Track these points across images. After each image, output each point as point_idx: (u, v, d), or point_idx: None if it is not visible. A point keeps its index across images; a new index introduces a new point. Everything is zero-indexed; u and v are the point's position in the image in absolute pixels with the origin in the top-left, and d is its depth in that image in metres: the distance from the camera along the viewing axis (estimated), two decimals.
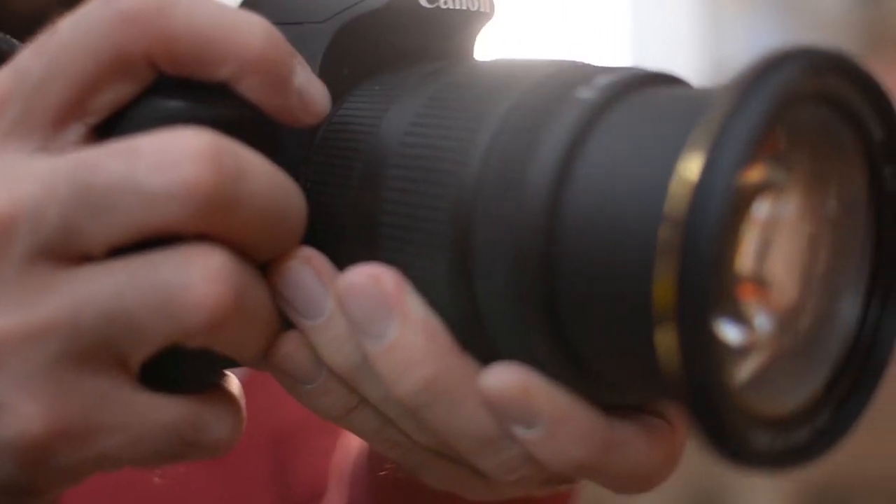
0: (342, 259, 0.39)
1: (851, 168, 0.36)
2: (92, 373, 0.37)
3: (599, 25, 2.52)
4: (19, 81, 0.38)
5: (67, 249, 0.36)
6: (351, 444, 0.58)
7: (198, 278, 0.36)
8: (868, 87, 0.35)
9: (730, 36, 2.51)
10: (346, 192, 0.40)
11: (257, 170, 0.37)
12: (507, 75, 0.39)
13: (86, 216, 0.36)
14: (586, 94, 0.36)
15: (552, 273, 0.35)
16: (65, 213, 0.36)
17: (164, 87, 0.38)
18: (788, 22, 2.46)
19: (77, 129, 0.38)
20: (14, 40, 0.41)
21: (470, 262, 0.37)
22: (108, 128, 0.38)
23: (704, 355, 0.33)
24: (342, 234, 0.40)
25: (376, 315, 0.38)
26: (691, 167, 0.33)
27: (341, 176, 0.40)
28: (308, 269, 0.39)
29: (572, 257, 0.35)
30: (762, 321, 0.36)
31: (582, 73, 0.37)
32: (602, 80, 0.36)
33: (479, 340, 0.37)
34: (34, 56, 0.38)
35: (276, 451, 0.63)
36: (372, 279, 0.38)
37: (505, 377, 0.37)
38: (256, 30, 0.38)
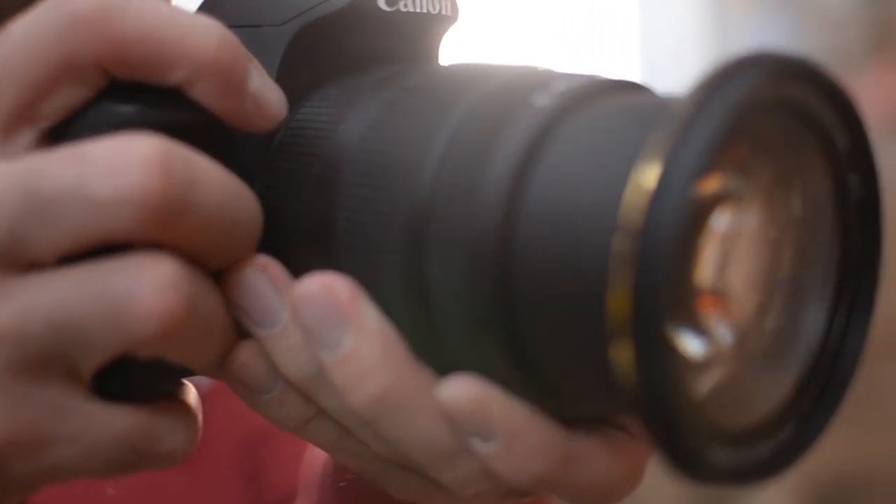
0: (298, 266, 0.38)
1: (816, 176, 0.36)
2: (42, 383, 0.36)
3: (607, 25, 2.51)
4: None
5: (15, 257, 0.36)
6: (319, 450, 0.57)
7: (147, 287, 0.36)
8: (832, 94, 0.34)
9: (737, 35, 2.50)
10: (302, 198, 0.39)
11: (209, 176, 0.36)
12: (465, 80, 0.38)
13: (34, 223, 0.35)
14: (543, 100, 0.35)
15: (507, 284, 0.35)
16: (13, 220, 0.35)
17: (116, 91, 0.37)
18: (795, 21, 2.45)
19: (29, 134, 0.37)
20: None
21: (425, 272, 0.36)
22: (61, 132, 0.38)
23: (660, 369, 0.32)
24: (298, 240, 0.39)
25: (330, 325, 0.37)
26: (647, 176, 0.32)
27: (298, 182, 0.39)
28: (263, 277, 0.38)
29: (528, 268, 0.34)
30: (724, 333, 0.35)
31: (540, 79, 0.36)
32: (559, 87, 0.35)
33: (436, 351, 0.37)
34: None
35: (248, 457, 0.63)
36: (325, 288, 0.37)
37: (461, 389, 0.36)
38: (210, 33, 0.37)
